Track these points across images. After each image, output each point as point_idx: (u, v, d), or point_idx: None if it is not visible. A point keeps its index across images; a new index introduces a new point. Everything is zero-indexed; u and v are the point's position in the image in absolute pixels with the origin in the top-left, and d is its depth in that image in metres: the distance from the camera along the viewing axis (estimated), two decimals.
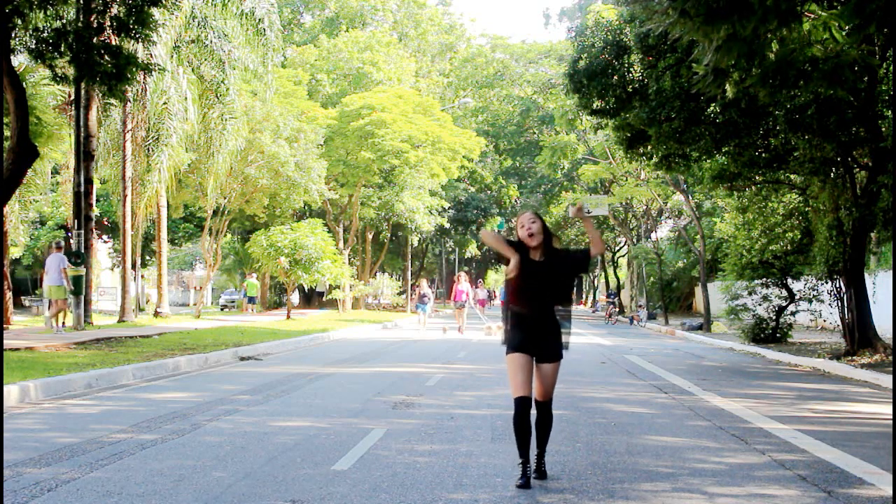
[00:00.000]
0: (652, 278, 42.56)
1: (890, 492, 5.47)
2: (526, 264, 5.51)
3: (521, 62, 59.20)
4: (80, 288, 19.17)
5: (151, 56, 20.81)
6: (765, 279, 20.91)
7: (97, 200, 26.98)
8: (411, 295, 47.30)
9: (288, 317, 30.47)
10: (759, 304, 21.26)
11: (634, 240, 46.12)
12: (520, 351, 5.55)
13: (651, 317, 38.96)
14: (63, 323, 18.09)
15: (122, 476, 5.60)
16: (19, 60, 17.98)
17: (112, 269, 51.65)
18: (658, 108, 14.74)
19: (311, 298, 49.15)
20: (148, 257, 42.80)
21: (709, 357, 18.01)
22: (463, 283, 25.76)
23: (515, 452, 6.17)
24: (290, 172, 32.78)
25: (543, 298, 5.55)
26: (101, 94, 19.45)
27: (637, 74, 15.92)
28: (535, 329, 5.55)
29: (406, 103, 39.52)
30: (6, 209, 21.50)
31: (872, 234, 18.34)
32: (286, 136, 33.17)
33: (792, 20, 7.24)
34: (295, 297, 42.46)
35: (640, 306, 40.19)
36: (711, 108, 14.84)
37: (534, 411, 5.62)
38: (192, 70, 25.14)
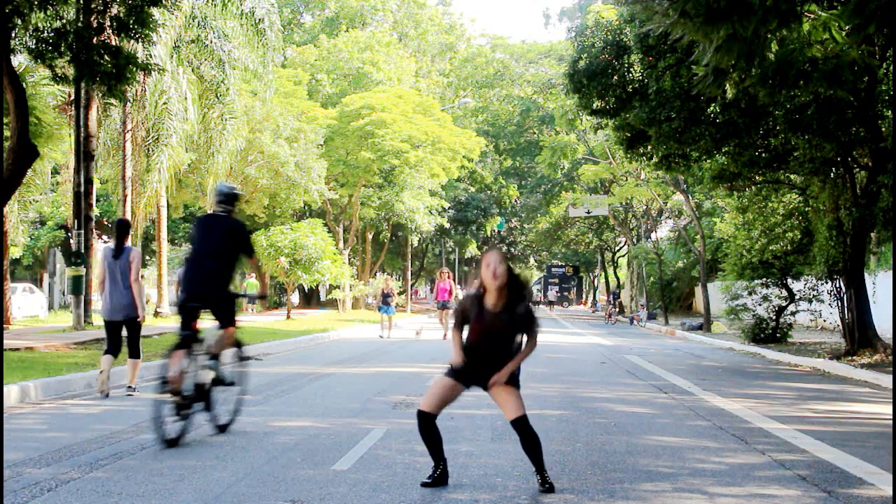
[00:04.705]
0: (652, 278, 42.55)
1: (890, 492, 5.47)
2: (482, 314, 5.33)
3: (521, 62, 59.20)
4: (79, 288, 19.18)
5: (151, 56, 20.79)
6: (765, 279, 20.90)
7: (97, 200, 26.99)
8: (411, 295, 47.25)
9: (288, 317, 30.45)
10: (759, 304, 21.25)
11: (634, 240, 46.11)
12: (454, 377, 5.43)
13: (651, 317, 38.96)
14: None
15: (122, 476, 5.59)
16: (19, 60, 17.96)
17: None
18: (658, 108, 14.73)
19: (311, 298, 49.14)
20: (148, 257, 42.81)
21: (709, 357, 18.00)
22: (446, 281, 23.39)
23: (516, 453, 6.18)
24: (290, 172, 32.78)
25: (497, 345, 5.37)
26: (101, 94, 19.42)
27: (637, 74, 15.91)
28: (486, 362, 5.37)
29: (406, 103, 39.52)
30: (6, 209, 21.51)
31: (872, 234, 18.34)
32: (286, 136, 33.17)
33: (792, 20, 7.24)
34: (295, 297, 42.46)
35: (641, 306, 40.19)
36: (711, 108, 14.84)
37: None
38: (192, 70, 25.14)
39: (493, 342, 5.36)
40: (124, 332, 9.52)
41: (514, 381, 5.38)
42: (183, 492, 5.20)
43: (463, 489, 5.37)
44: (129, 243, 9.68)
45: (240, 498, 5.09)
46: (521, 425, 5.31)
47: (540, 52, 58.08)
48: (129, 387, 9.72)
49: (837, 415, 9.46)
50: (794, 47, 7.68)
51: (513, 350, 5.39)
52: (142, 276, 9.80)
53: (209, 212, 7.74)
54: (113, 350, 9.48)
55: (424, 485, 5.42)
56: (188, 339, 7.03)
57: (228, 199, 7.43)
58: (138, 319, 9.47)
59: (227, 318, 7.42)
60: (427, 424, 5.42)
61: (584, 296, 79.97)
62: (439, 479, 5.45)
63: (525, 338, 5.41)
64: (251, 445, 6.72)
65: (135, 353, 9.64)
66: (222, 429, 7.30)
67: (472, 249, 61.19)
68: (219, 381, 7.32)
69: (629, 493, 5.36)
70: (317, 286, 38.15)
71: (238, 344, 7.75)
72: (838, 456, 6.68)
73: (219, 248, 7.21)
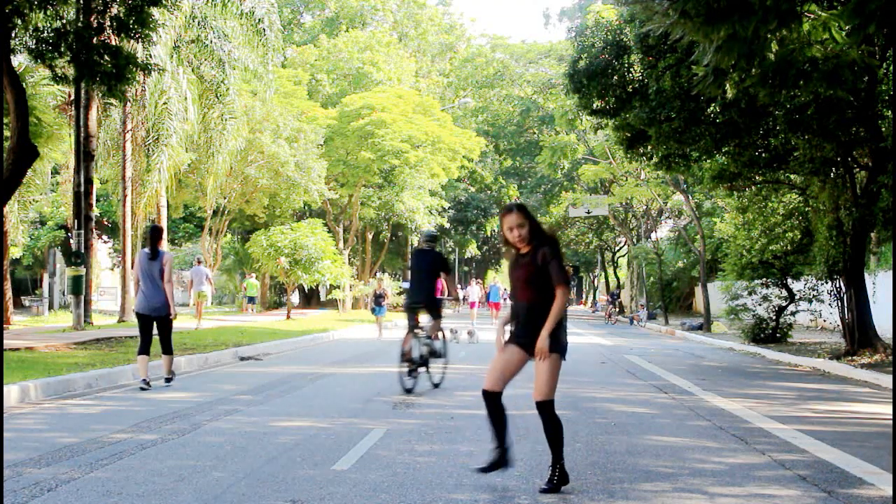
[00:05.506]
0: (652, 278, 42.55)
1: (890, 492, 5.47)
2: (517, 261, 5.52)
3: (521, 62, 59.17)
4: (79, 288, 19.18)
5: (151, 56, 20.79)
6: (765, 279, 20.90)
7: (97, 200, 27.00)
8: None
9: (288, 317, 30.45)
10: (759, 304, 21.24)
11: (634, 240, 46.10)
12: (510, 342, 5.47)
13: (651, 317, 38.96)
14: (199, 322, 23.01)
15: (122, 476, 5.60)
16: (19, 60, 17.96)
17: (112, 269, 51.65)
18: (658, 108, 14.74)
19: (311, 298, 49.14)
20: None
21: (709, 357, 18.00)
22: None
23: (516, 453, 6.16)
24: (290, 172, 32.79)
25: (530, 289, 5.38)
26: (101, 94, 19.43)
27: (637, 74, 15.92)
28: (526, 321, 5.38)
29: (406, 103, 39.53)
30: (6, 209, 21.51)
31: (872, 234, 18.34)
32: (286, 136, 33.18)
33: (792, 20, 7.24)
34: (295, 297, 42.45)
35: (641, 306, 40.19)
36: (711, 108, 14.84)
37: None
38: (192, 70, 25.14)
39: (529, 288, 5.36)
40: (155, 331, 10.56)
41: (556, 348, 5.29)
42: (183, 492, 5.20)
43: (463, 489, 5.37)
44: (157, 247, 10.60)
45: (240, 498, 5.09)
46: (542, 409, 5.36)
47: (540, 52, 58.05)
48: (167, 378, 10.78)
49: (837, 415, 9.46)
50: (793, 47, 7.67)
51: (549, 300, 5.31)
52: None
53: (421, 247, 11.21)
54: (145, 349, 10.42)
55: (482, 470, 5.48)
56: (413, 327, 10.66)
57: (432, 238, 11.11)
58: (170, 317, 10.52)
59: (435, 314, 10.84)
60: (492, 404, 5.45)
61: (583, 296, 79.96)
62: (498, 463, 5.48)
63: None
64: (251, 445, 6.72)
65: (167, 350, 10.73)
66: (436, 385, 10.87)
67: (472, 249, 61.20)
68: (433, 353, 10.86)
69: (629, 493, 5.36)
70: (317, 286, 38.15)
71: (441, 330, 11.09)
72: (838, 456, 6.68)
73: (427, 270, 10.75)
